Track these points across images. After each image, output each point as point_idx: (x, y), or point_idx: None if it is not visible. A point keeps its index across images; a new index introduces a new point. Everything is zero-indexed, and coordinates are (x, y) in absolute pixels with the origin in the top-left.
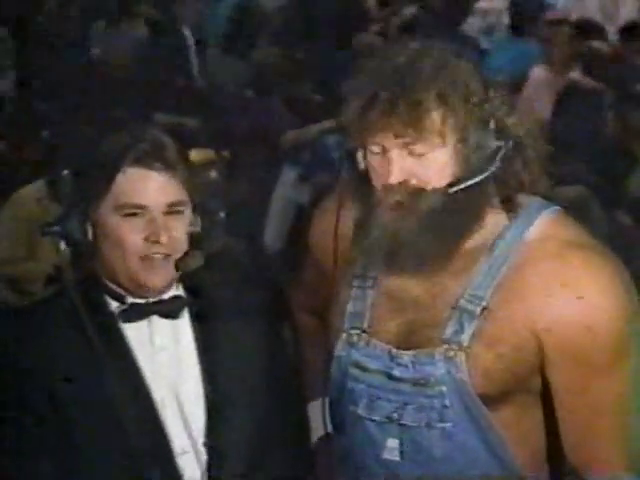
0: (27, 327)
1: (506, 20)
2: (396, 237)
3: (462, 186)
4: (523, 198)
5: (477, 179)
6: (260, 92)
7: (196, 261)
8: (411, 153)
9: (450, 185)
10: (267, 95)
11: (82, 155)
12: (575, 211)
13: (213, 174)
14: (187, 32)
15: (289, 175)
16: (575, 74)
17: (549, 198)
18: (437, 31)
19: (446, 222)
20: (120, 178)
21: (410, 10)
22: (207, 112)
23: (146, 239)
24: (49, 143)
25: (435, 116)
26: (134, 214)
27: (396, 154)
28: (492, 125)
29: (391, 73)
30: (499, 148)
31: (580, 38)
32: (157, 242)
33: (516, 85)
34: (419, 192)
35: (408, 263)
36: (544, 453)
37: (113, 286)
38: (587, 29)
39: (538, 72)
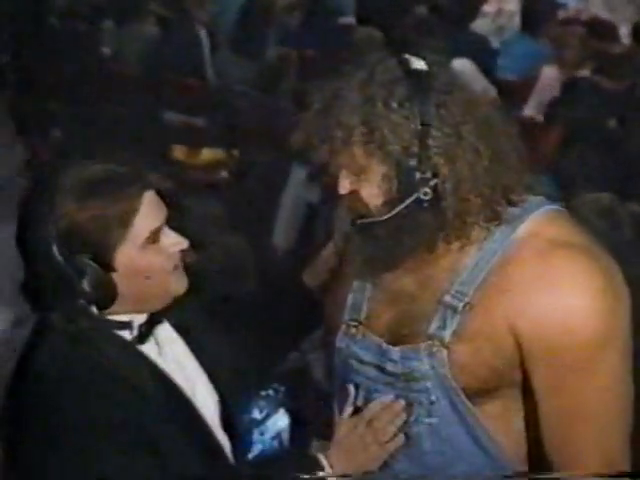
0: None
1: (517, 22)
2: (354, 245)
3: (375, 219)
4: (519, 197)
5: (389, 215)
6: (270, 91)
7: (191, 256)
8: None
9: (383, 208)
10: (276, 95)
11: (80, 226)
12: (603, 218)
13: (223, 173)
14: (202, 32)
15: (299, 174)
16: (585, 73)
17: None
18: (446, 31)
19: (379, 242)
20: (137, 220)
21: (420, 10)
22: (217, 111)
23: (168, 256)
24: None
25: (357, 152)
26: (157, 239)
27: (341, 171)
28: (415, 163)
29: (319, 111)
30: (419, 186)
31: (592, 38)
32: (182, 249)
33: (526, 84)
34: (359, 207)
35: (363, 271)
36: (525, 447)
37: (119, 317)
38: (599, 29)
39: (549, 72)
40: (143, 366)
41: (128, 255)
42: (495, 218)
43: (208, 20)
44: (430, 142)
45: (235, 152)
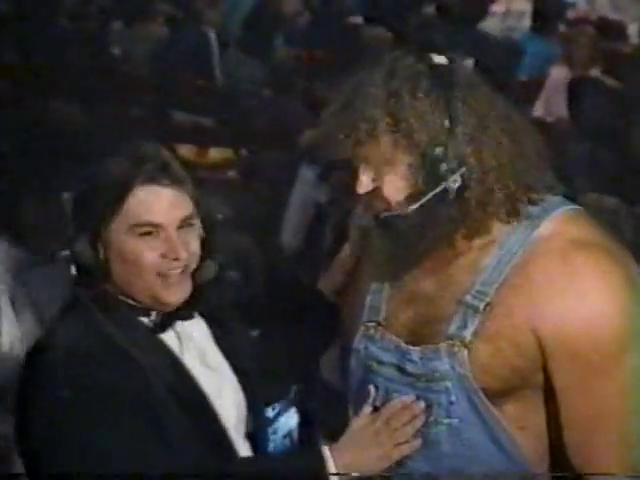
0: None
1: (527, 22)
2: (373, 248)
3: (403, 210)
4: (539, 197)
5: (417, 204)
6: (278, 91)
7: (210, 271)
8: (369, 169)
9: (407, 202)
10: (285, 94)
11: (89, 177)
12: (604, 219)
13: (231, 173)
14: (211, 32)
15: (307, 174)
16: (595, 73)
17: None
18: (454, 31)
19: (401, 240)
20: (131, 198)
21: (428, 10)
22: (226, 111)
23: (163, 256)
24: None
25: (383, 142)
26: (149, 233)
27: (361, 167)
28: (442, 153)
29: (345, 98)
30: (448, 175)
31: (601, 38)
32: (177, 259)
33: (535, 84)
34: (379, 205)
35: (384, 274)
36: (547, 449)
37: (131, 302)
38: (608, 29)
39: (557, 72)
40: (155, 349)
41: (117, 233)
42: (515, 214)
43: (217, 20)
44: (457, 130)
45: (243, 152)
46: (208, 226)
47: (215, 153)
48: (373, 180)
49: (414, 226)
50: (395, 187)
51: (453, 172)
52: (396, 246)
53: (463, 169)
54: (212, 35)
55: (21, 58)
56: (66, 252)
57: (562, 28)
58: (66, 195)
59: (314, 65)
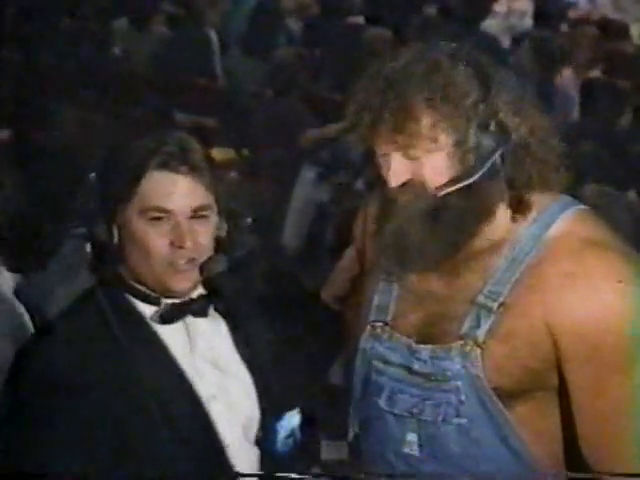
0: (58, 342)
1: (529, 22)
2: (404, 238)
3: (454, 187)
4: (549, 196)
5: (471, 180)
6: (279, 92)
7: (220, 265)
8: (406, 156)
9: (445, 186)
10: (286, 95)
11: (108, 157)
12: (597, 210)
13: (233, 173)
14: (212, 33)
15: (309, 174)
16: (596, 74)
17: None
18: (456, 31)
19: (446, 223)
20: (145, 182)
21: (430, 10)
22: (227, 111)
23: (171, 244)
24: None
25: (425, 121)
26: (159, 218)
27: (394, 158)
28: (492, 127)
29: (383, 80)
30: (497, 148)
31: (603, 38)
32: (182, 247)
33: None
34: (418, 194)
35: (414, 265)
36: (561, 450)
37: (142, 288)
38: (610, 29)
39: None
40: (153, 346)
41: (130, 216)
42: (527, 208)
43: (218, 20)
44: (498, 102)
45: (245, 152)
46: (230, 225)
47: (217, 153)
48: (412, 165)
49: (458, 207)
50: (438, 168)
51: (496, 148)
52: (437, 233)
53: (508, 142)
54: (213, 35)
55: (22, 57)
56: (80, 230)
57: (564, 28)
58: (92, 174)
59: (314, 65)
